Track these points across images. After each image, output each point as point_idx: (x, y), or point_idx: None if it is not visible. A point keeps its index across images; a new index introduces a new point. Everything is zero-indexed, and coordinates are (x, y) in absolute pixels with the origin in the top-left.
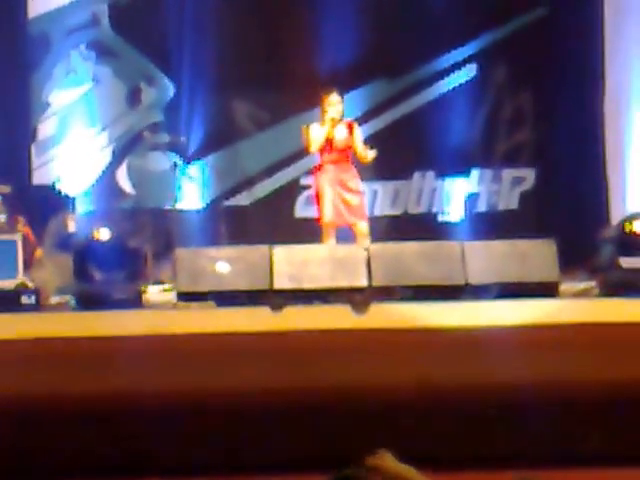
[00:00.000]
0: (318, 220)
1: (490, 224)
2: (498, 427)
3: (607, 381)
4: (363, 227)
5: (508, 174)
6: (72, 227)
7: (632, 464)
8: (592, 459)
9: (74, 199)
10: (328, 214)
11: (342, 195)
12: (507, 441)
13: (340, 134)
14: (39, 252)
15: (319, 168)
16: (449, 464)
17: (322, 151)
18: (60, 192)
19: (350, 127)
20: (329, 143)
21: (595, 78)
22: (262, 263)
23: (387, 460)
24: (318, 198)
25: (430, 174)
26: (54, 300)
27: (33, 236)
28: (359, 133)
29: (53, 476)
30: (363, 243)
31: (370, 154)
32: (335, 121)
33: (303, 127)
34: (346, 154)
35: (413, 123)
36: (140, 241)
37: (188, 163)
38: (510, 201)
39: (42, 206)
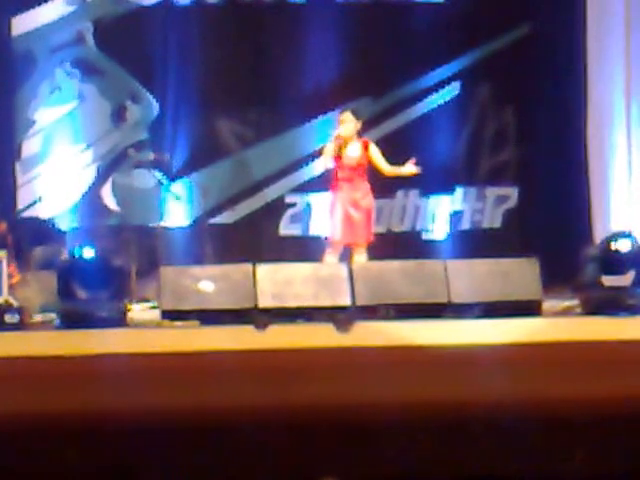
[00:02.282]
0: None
1: (474, 242)
2: (481, 445)
3: (590, 399)
4: (362, 245)
5: (492, 192)
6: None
7: None
8: (575, 477)
9: (65, 232)
10: (337, 234)
11: (350, 214)
12: (490, 459)
13: (353, 152)
14: (16, 278)
15: (335, 186)
16: None
17: (336, 169)
18: (54, 226)
19: (365, 145)
20: (339, 161)
21: (578, 96)
22: (246, 281)
23: None
24: (331, 216)
25: (414, 192)
26: (38, 318)
27: (14, 265)
28: (376, 150)
29: None
30: (359, 260)
31: (409, 168)
32: (342, 138)
33: (322, 145)
34: (359, 172)
35: (397, 141)
36: (125, 259)
37: (173, 181)
38: (494, 219)
39: (29, 235)
